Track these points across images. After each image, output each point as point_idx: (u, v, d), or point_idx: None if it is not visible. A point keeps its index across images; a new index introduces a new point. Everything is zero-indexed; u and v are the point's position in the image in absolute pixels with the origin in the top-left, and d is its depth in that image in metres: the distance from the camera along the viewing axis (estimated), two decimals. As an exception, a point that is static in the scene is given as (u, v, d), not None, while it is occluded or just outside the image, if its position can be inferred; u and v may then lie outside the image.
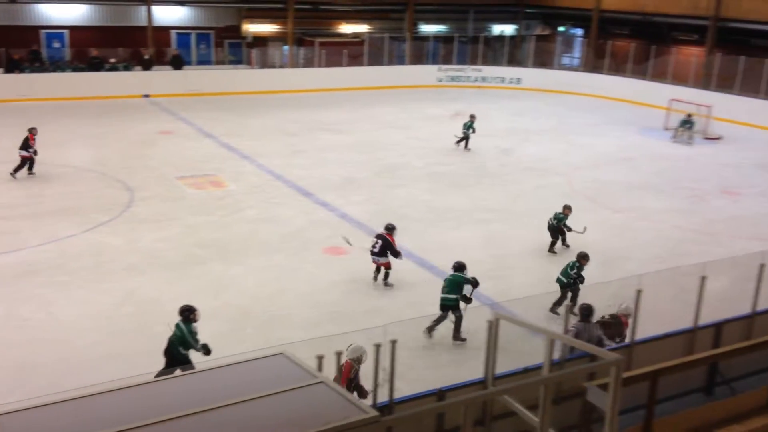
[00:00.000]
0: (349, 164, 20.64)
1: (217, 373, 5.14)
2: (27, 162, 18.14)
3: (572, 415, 7.26)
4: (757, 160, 22.26)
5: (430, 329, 10.82)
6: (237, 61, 33.51)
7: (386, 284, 12.75)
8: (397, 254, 12.69)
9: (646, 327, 9.06)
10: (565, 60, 39.06)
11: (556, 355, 7.83)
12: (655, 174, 20.43)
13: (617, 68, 33.47)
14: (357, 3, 35.59)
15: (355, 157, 21.52)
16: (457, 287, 10.76)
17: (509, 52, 36.68)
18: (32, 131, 18.30)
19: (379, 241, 12.71)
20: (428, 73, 34.91)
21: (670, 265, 13.48)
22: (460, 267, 11.10)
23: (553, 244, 14.39)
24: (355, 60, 33.78)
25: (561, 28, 40.62)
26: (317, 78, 32.86)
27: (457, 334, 10.72)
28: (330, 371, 6.81)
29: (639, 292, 8.57)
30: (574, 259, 11.84)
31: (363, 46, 34.39)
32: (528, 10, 40.13)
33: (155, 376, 6.94)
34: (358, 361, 8.05)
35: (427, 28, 38.65)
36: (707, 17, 30.57)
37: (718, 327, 9.27)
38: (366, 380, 7.25)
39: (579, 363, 7.88)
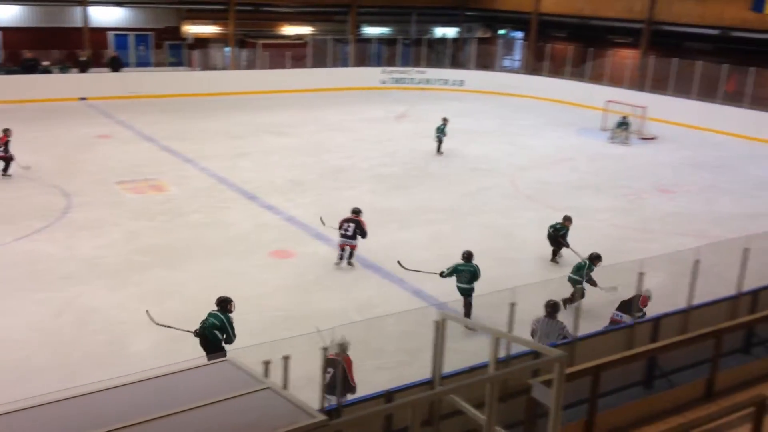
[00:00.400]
0: (295, 167, 20.53)
1: (162, 381, 5.04)
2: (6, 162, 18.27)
3: (518, 412, 7.39)
4: (690, 159, 23.06)
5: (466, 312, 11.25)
6: (177, 62, 32.93)
7: (350, 263, 13.55)
8: (365, 235, 13.52)
9: (587, 323, 9.30)
10: (506, 62, 39.72)
11: (502, 353, 7.95)
12: (593, 174, 20.95)
13: (556, 70, 34.22)
14: (299, 4, 35.43)
15: (301, 159, 21.41)
16: (474, 277, 11.41)
17: (452, 55, 37.08)
18: (6, 132, 18.27)
19: (352, 225, 13.45)
20: (372, 75, 35.00)
21: (610, 262, 13.81)
22: (471, 255, 11.66)
23: (554, 253, 14.14)
24: (298, 62, 33.61)
25: (501, 31, 41.31)
26: (260, 80, 32.55)
27: (469, 313, 11.29)
28: (277, 376, 6.76)
29: (582, 289, 8.77)
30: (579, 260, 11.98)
31: (306, 48, 34.25)
32: (469, 13, 40.66)
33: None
34: (344, 350, 8.33)
35: (370, 30, 38.77)
36: (641, 20, 31.55)
37: (656, 322, 9.57)
38: (314, 384, 7.22)
39: (524, 360, 8.02)
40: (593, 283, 11.77)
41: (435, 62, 36.56)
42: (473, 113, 29.85)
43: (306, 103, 30.53)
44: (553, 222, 14.36)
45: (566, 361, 5.56)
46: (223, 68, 33.77)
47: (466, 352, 9.26)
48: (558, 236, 13.99)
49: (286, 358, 6.88)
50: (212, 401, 4.65)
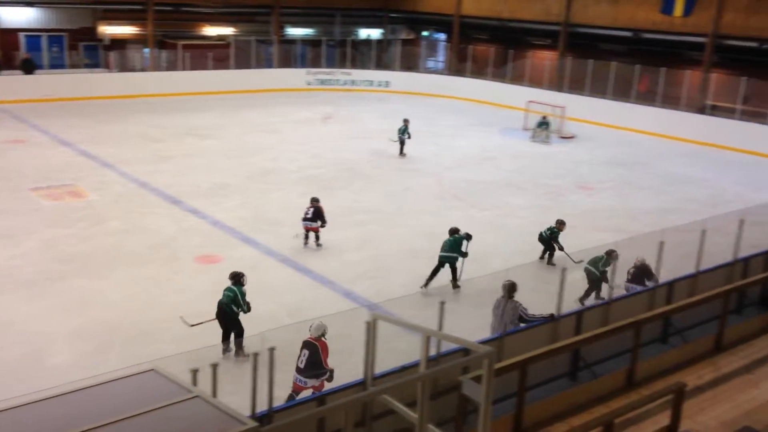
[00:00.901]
0: (220, 170, 20.18)
1: (85, 394, 4.86)
2: None
3: (449, 409, 7.49)
4: (607, 157, 23.90)
5: (426, 284, 12.68)
6: (93, 64, 31.81)
7: (318, 245, 14.67)
8: (324, 221, 14.59)
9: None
10: (430, 63, 40.19)
11: (433, 351, 8.03)
12: (516, 172, 21.45)
13: (479, 71, 34.86)
14: (221, 5, 34.84)
15: (226, 162, 21.06)
16: (458, 246, 12.85)
17: (377, 56, 37.24)
18: None
19: (312, 209, 14.62)
20: (297, 76, 34.78)
21: (533, 258, 14.23)
22: (456, 230, 13.17)
23: (549, 255, 14.36)
24: (221, 63, 33.03)
25: (425, 33, 41.77)
26: (181, 81, 31.84)
27: (455, 282, 12.85)
28: (206, 384, 6.62)
29: (599, 281, 8.93)
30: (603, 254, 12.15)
31: (229, 48, 33.71)
32: (392, 15, 40.93)
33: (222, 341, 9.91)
34: (322, 334, 8.76)
35: (294, 31, 38.50)
36: (558, 23, 32.50)
37: (578, 315, 9.87)
38: (245, 390, 7.12)
39: (454, 358, 8.13)
40: (560, 247, 12.80)
41: (360, 63, 36.65)
42: (399, 114, 30.02)
43: (229, 105, 30.06)
44: (476, 219, 14.61)
45: (495, 357, 5.66)
46: (142, 70, 32.85)
47: (398, 351, 9.31)
48: (551, 239, 14.24)
49: (214, 366, 6.75)
50: (139, 412, 4.51)
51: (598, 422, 6.87)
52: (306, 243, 14.79)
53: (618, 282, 11.53)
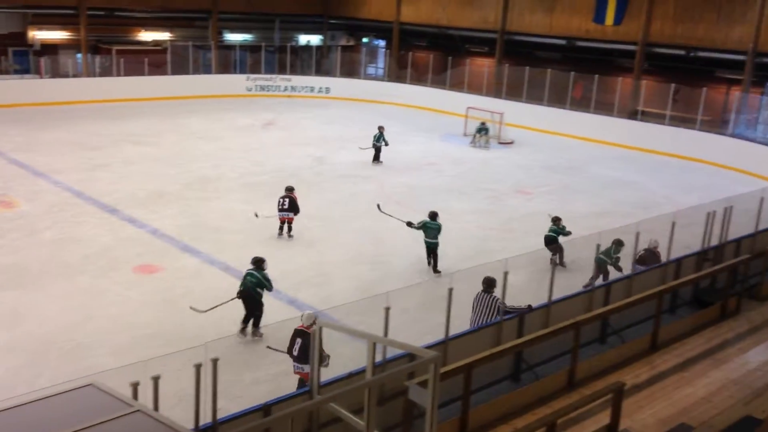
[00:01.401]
0: (158, 177, 19.76)
1: (20, 411, 4.69)
2: None
3: (396, 415, 7.51)
4: (545, 162, 24.43)
5: (435, 269, 14.10)
6: (24, 70, 30.75)
7: (290, 236, 15.47)
8: (297, 209, 15.49)
9: (458, 322, 9.60)
10: (371, 70, 40.34)
11: (379, 357, 8.05)
12: (457, 177, 21.71)
13: (419, 78, 35.17)
14: (156, 10, 34.19)
15: (164, 169, 20.64)
16: (439, 232, 14.12)
17: (317, 62, 37.15)
18: None
19: (287, 200, 15.46)
20: (237, 82, 34.38)
21: (477, 262, 14.37)
22: (436, 215, 14.41)
23: (560, 256, 14.29)
24: (157, 69, 32.37)
25: (365, 39, 41.93)
26: (116, 87, 31.07)
27: (437, 266, 14.12)
28: (147, 398, 6.47)
29: (450, 290, 9.05)
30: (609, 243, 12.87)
31: (166, 54, 33.09)
32: (332, 21, 40.97)
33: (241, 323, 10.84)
34: (314, 323, 8.87)
35: (233, 37, 38.08)
36: (495, 31, 33.11)
37: (521, 317, 10.04)
38: (186, 403, 6.98)
39: (400, 363, 8.15)
40: (618, 268, 12.95)
41: (300, 70, 36.50)
42: (340, 120, 30.08)
43: (167, 111, 29.49)
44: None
45: (440, 362, 5.71)
46: (75, 76, 31.92)
47: (344, 358, 9.30)
48: (560, 235, 14.68)
49: (155, 379, 6.61)
50: (77, 429, 4.38)
51: (541, 423, 7.00)
52: (281, 234, 15.64)
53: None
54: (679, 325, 10.66)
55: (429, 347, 8.82)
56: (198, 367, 6.68)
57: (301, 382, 9.24)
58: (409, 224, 14.43)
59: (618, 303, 10.29)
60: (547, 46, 32.18)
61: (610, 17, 29.26)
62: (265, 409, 7.27)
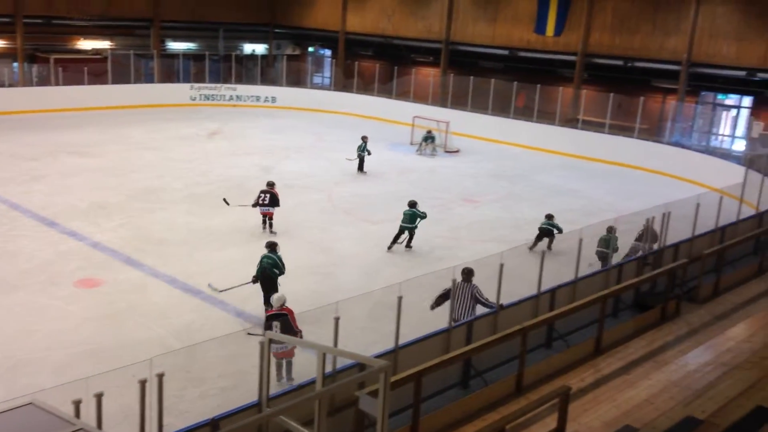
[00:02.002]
0: (99, 189, 19.28)
1: (-47, 436, 4.51)
2: None
3: (347, 425, 7.49)
4: (490, 171, 24.78)
5: (390, 246, 15.83)
6: (-44, 79, 29.71)
7: (272, 232, 16.22)
8: (278, 203, 16.52)
9: (408, 331, 9.63)
10: (317, 79, 40.29)
11: (329, 368, 8.01)
12: (405, 186, 21.81)
13: (365, 87, 35.28)
14: (96, 18, 33.46)
15: (106, 181, 20.16)
16: (416, 218, 15.84)
17: (262, 71, 36.93)
18: None
19: (267, 195, 16.37)
20: (180, 91, 33.86)
21: (425, 270, 14.48)
22: (415, 203, 16.12)
23: (549, 242, 16.08)
24: (97, 78, 31.63)
25: (311, 49, 41.87)
26: (55, 97, 30.24)
27: (410, 244, 16.06)
28: (90, 416, 6.29)
29: (399, 298, 9.08)
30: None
31: (106, 63, 32.36)
32: (278, 30, 40.80)
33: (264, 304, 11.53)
34: (284, 303, 9.87)
35: (176, 46, 37.54)
36: (440, 41, 33.52)
37: (469, 324, 10.14)
38: (131, 419, 6.82)
39: (350, 373, 8.14)
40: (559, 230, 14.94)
41: (246, 79, 36.20)
42: (287, 129, 29.93)
43: (109, 121, 28.84)
44: (368, 233, 14.72)
45: (391, 371, 5.73)
46: (11, 85, 30.93)
47: (294, 370, 9.23)
48: (552, 228, 16.13)
49: (98, 396, 6.44)
50: (17, 452, 4.23)
51: (491, 429, 7.08)
52: (264, 228, 16.49)
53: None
54: (621, 329, 10.94)
55: (379, 356, 8.83)
56: (143, 383, 6.54)
57: (280, 365, 9.96)
58: (254, 280, 12.64)
59: (563, 308, 10.50)
60: (490, 56, 32.72)
61: (550, 28, 29.96)
62: (213, 423, 7.16)
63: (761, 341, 10.07)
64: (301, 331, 9.75)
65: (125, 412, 7.53)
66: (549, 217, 16.61)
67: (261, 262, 12.24)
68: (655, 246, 13.31)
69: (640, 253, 13.42)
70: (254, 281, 12.11)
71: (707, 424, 7.46)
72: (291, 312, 9.94)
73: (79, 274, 13.56)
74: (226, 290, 12.35)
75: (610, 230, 14.30)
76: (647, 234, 13.51)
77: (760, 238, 15.55)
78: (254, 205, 16.56)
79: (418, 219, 16.05)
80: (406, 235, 16.12)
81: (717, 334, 10.75)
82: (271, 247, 12.50)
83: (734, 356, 9.55)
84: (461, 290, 10.64)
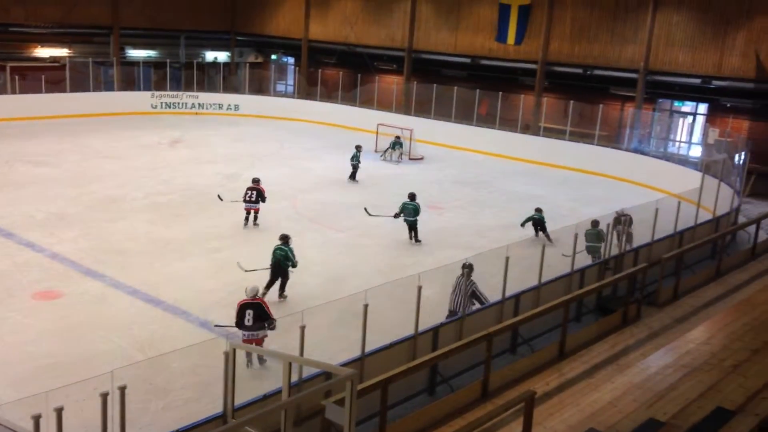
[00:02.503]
0: (57, 199, 18.90)
1: None
2: None
3: (313, 434, 7.44)
4: (454, 177, 24.95)
5: (415, 239, 17.23)
6: None
7: (256, 224, 17.28)
8: (265, 199, 17.42)
9: (374, 338, 9.64)
10: (280, 87, 40.14)
11: (295, 377, 7.97)
12: (370, 193, 21.82)
13: (329, 95, 35.26)
14: (54, 25, 32.87)
15: (64, 190, 19.76)
16: (417, 212, 16.73)
17: (225, 79, 36.66)
18: None
19: (254, 192, 17.22)
20: (141, 99, 33.41)
21: (391, 277, 14.49)
22: (414, 196, 17.11)
23: (544, 233, 17.22)
24: (55, 86, 31.05)
25: (273, 56, 41.71)
26: (10, 106, 29.57)
27: (417, 237, 17.13)
28: (50, 431, 6.15)
29: (365, 306, 9.08)
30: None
31: (64, 71, 31.79)
32: (240, 38, 40.57)
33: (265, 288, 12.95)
34: (256, 293, 10.54)
35: (136, 53, 37.06)
36: (402, 49, 33.69)
37: (435, 331, 10.19)
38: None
39: (317, 382, 8.10)
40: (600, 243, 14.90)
41: (208, 86, 35.89)
42: (251, 137, 29.74)
43: (67, 130, 28.30)
44: (333, 241, 14.66)
45: (357, 379, 5.72)
46: (-35, 93, 30.22)
47: (259, 379, 9.15)
48: (541, 220, 17.54)
49: (58, 410, 6.31)
50: (-26, 470, 4.11)
51: (458, 435, 7.11)
52: (246, 224, 17.34)
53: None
54: (584, 333, 11.09)
55: (345, 364, 8.82)
56: (104, 396, 6.42)
57: (249, 353, 10.55)
58: (396, 215, 16.98)
59: (527, 313, 10.61)
60: (453, 64, 32.99)
61: (511, 37, 30.36)
62: (178, 436, 7.06)
63: (720, 343, 10.30)
64: (275, 320, 10.29)
65: (86, 426, 7.38)
66: (539, 210, 17.80)
67: (274, 253, 13.14)
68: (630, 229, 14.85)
69: (623, 218, 14.72)
70: (271, 267, 13.24)
71: (669, 425, 7.60)
72: (264, 301, 10.58)
73: (38, 286, 13.26)
74: (252, 270, 13.31)
75: (595, 224, 14.94)
76: (619, 219, 14.69)
77: (718, 241, 15.95)
78: (244, 201, 17.51)
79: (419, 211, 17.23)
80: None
81: (677, 336, 10.97)
82: (284, 239, 13.31)
83: (694, 358, 9.75)
84: (461, 284, 11.32)
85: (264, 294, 12.64)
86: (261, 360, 10.49)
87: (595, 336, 10.98)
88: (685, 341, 10.60)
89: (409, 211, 17.04)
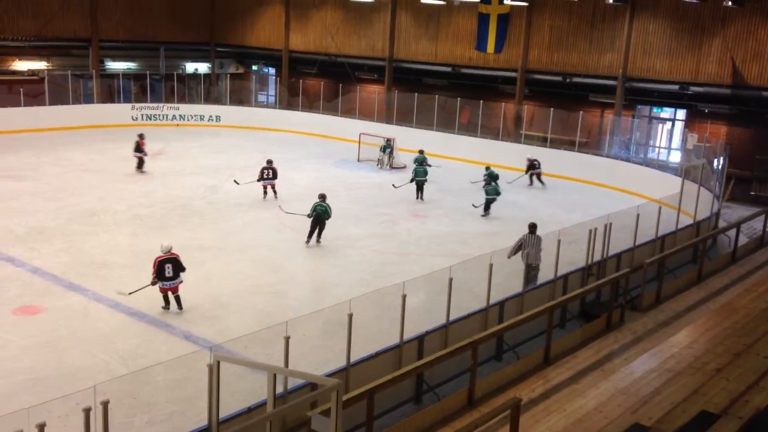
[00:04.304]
0: (37, 212, 18.71)
1: None
2: (140, 161, 23.86)
3: (300, 446, 7.40)
4: (437, 185, 24.98)
5: (418, 197, 22.25)
6: None
7: (276, 197, 21.14)
8: (277, 176, 21.35)
9: (359, 348, 9.62)
10: (262, 97, 40.08)
11: (280, 389, 7.92)
12: (353, 203, 21.84)
13: (311, 105, 35.27)
14: (31, 38, 32.62)
15: (44, 204, 19.57)
16: (326, 213, 17.32)
17: (206, 90, 36.55)
18: (142, 136, 24.29)
19: (270, 170, 21.20)
20: (121, 111, 33.21)
21: (375, 286, 14.47)
22: (324, 196, 17.61)
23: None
24: (34, 99, 30.78)
25: (254, 67, 41.68)
26: (-11, 119, 29.28)
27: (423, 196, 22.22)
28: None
29: (350, 316, 9.06)
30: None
31: (43, 84, 31.53)
32: (220, 49, 40.50)
33: (307, 238, 17.09)
34: (171, 249, 12.99)
35: (115, 65, 36.86)
36: (383, 58, 33.81)
37: (420, 339, 10.19)
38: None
39: (302, 393, 8.07)
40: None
41: (189, 98, 35.76)
42: (232, 148, 29.64)
43: (46, 144, 28.05)
44: (317, 250, 14.61)
45: (343, 389, 5.71)
46: (-58, 107, 29.87)
47: (244, 392, 9.09)
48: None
49: (41, 426, 6.23)
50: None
51: (444, 443, 7.10)
52: (265, 196, 21.13)
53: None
54: (569, 339, 11.14)
55: (331, 375, 8.79)
56: (87, 411, 6.35)
57: (167, 298, 12.89)
58: (308, 215, 17.45)
59: (512, 320, 10.64)
60: (433, 73, 33.14)
61: (491, 45, 30.58)
62: (163, 450, 6.99)
63: (703, 347, 10.39)
64: (185, 269, 13.00)
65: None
66: (487, 168, 22.11)
67: (315, 208, 17.01)
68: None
69: (535, 162, 18.22)
70: (309, 216, 17.12)
71: (654, 430, 7.65)
72: (178, 255, 12.96)
73: (19, 301, 13.10)
74: (293, 213, 17.88)
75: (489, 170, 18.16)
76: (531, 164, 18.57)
77: (699, 246, 16.11)
78: (259, 180, 21.12)
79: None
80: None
81: (660, 341, 11.05)
82: (323, 197, 17.28)
83: (677, 362, 9.82)
84: (531, 240, 13.83)
85: (307, 242, 17.08)
86: (179, 305, 12.88)
87: (579, 342, 11.04)
88: (669, 345, 10.68)
89: (418, 173, 22.52)
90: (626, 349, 10.87)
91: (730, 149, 22.88)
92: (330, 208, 17.14)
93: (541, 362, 10.24)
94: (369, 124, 31.25)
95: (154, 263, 12.81)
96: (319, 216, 17.00)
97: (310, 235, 17.07)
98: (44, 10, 33.23)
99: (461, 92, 31.36)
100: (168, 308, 12.89)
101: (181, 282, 12.99)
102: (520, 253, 13.66)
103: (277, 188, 21.45)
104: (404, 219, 20.39)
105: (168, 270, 12.75)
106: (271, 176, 21.21)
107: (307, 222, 17.37)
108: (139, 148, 24.15)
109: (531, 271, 13.34)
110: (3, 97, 29.86)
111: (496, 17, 30.27)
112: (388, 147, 27.26)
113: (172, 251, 12.94)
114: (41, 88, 31.35)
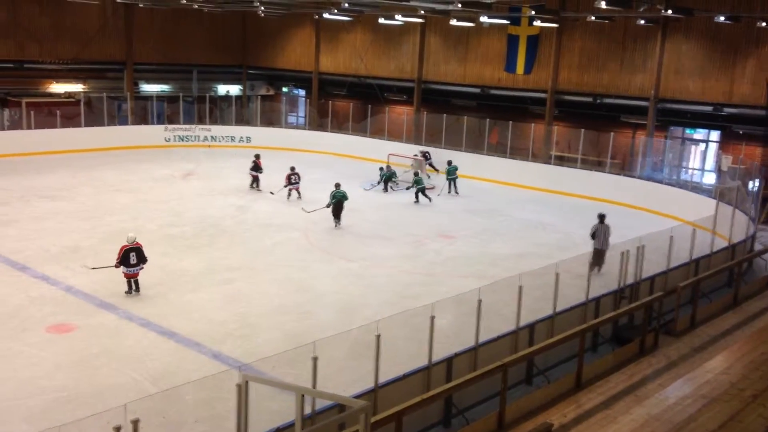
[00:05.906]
0: (72, 232, 19.04)
1: None
2: (256, 179, 25.78)
3: (328, 468, 7.35)
4: (466, 206, 24.94)
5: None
6: (-74, 124, 29.33)
7: (299, 198, 24.01)
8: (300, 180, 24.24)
9: (387, 369, 9.56)
10: (292, 119, 40.47)
11: (308, 410, 7.90)
12: (380, 223, 21.86)
13: (340, 126, 35.52)
14: (68, 61, 33.44)
15: (79, 224, 19.91)
16: (345, 198, 20.35)
17: (237, 112, 37.03)
18: (258, 156, 26.25)
19: (296, 175, 24.14)
20: (154, 133, 33.78)
21: (403, 307, 14.41)
22: (339, 185, 20.84)
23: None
24: (70, 121, 31.45)
25: (285, 89, 42.18)
26: (26, 141, 29.93)
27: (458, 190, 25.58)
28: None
29: (378, 336, 9.03)
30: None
31: (79, 106, 32.25)
32: (251, 71, 41.08)
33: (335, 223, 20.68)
34: (135, 239, 14.61)
35: (149, 88, 37.58)
36: (412, 80, 33.99)
37: (449, 361, 10.09)
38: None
39: (330, 415, 8.03)
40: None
41: (220, 119, 36.27)
42: (263, 169, 29.87)
43: (81, 164, 28.60)
44: (345, 271, 14.58)
45: (371, 411, 5.67)
46: (-18, 129, 30.67)
47: (272, 412, 9.09)
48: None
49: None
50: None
51: (474, 467, 6.99)
52: (289, 197, 23.89)
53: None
54: (601, 363, 10.96)
55: (358, 396, 8.74)
56: (117, 429, 6.39)
57: (131, 283, 14.56)
58: (327, 206, 20.44)
59: (542, 343, 10.51)
60: (462, 94, 33.20)
61: (520, 66, 30.57)
62: (191, 470, 6.99)
63: (739, 373, 10.14)
64: (146, 259, 14.71)
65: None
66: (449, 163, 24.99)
67: (335, 195, 20.37)
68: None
69: (427, 153, 20.27)
70: (328, 206, 20.43)
71: (689, 457, 7.46)
72: (141, 245, 14.63)
73: (52, 319, 13.29)
74: (314, 210, 20.68)
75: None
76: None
77: (734, 269, 15.80)
78: (286, 185, 23.79)
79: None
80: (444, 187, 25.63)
81: (695, 366, 10.82)
82: (337, 185, 20.65)
83: (713, 388, 9.60)
84: (602, 228, 16.51)
85: (337, 225, 20.50)
86: (136, 289, 14.54)
87: (611, 366, 10.85)
88: (704, 371, 10.45)
89: (450, 172, 25.97)
90: (660, 374, 10.65)
91: (765, 171, 22.47)
92: (345, 193, 20.34)
93: (572, 386, 10.08)
94: (397, 145, 31.35)
95: (120, 251, 14.38)
96: (340, 201, 19.89)
97: (336, 219, 20.33)
98: (82, 35, 34.08)
99: (490, 113, 31.34)
100: (130, 293, 14.51)
101: (142, 269, 14.61)
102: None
103: (301, 190, 24.15)
104: (432, 239, 20.34)
105: (132, 258, 14.39)
106: (298, 181, 24.08)
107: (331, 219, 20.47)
108: (256, 167, 25.76)
109: (599, 255, 15.77)
110: (41, 119, 30.58)
111: (526, 38, 30.27)
112: (385, 174, 27.15)
113: (137, 241, 14.61)
114: (77, 110, 32.03)
